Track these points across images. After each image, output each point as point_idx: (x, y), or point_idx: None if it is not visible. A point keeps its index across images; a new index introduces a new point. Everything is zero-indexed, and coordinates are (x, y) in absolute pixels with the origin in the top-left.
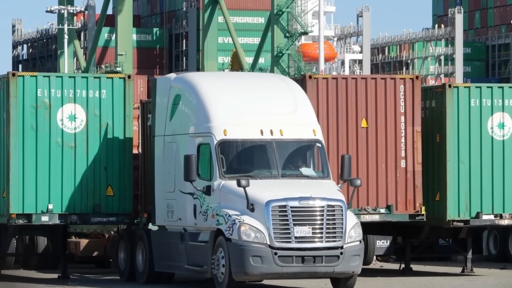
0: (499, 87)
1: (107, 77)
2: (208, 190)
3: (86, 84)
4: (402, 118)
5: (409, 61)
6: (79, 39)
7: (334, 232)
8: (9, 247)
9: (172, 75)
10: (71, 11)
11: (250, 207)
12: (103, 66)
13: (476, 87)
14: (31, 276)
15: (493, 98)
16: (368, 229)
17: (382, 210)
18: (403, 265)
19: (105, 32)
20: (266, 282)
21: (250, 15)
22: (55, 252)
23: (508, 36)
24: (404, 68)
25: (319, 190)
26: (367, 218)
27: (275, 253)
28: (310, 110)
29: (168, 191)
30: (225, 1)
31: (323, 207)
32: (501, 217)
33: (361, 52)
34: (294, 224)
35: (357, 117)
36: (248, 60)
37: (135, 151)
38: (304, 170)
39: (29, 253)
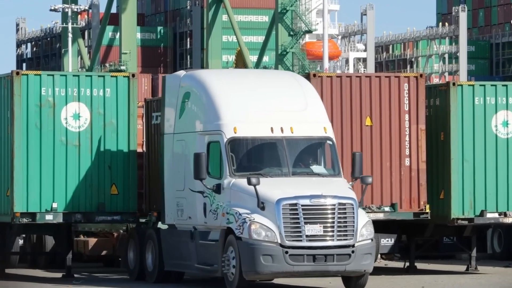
0: (503, 85)
1: (111, 76)
2: (218, 189)
3: (90, 83)
4: (406, 116)
5: (413, 59)
6: (83, 38)
7: (346, 231)
8: (14, 246)
9: (182, 73)
10: (75, 10)
11: (261, 205)
12: (107, 64)
13: (480, 85)
14: (36, 275)
15: (497, 96)
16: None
17: (387, 209)
18: (407, 264)
19: (109, 31)
20: (276, 281)
21: (254, 13)
22: (60, 250)
23: None
24: (408, 66)
25: (330, 188)
26: (372, 216)
27: (286, 252)
28: (320, 107)
29: (177, 190)
30: None
31: (334, 205)
32: (505, 215)
33: (365, 50)
34: (305, 223)
35: (361, 115)
36: (252, 58)
37: (139, 149)
38: (315, 168)
39: (37, 252)
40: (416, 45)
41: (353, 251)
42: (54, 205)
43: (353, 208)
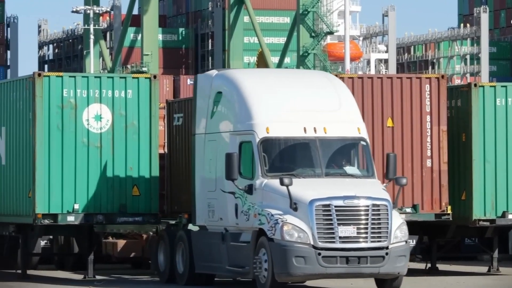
0: None
1: (133, 77)
2: (250, 189)
3: (112, 84)
4: (428, 117)
5: (434, 61)
6: (105, 39)
7: (379, 232)
8: (35, 247)
9: (213, 72)
10: (97, 11)
11: (293, 206)
12: (129, 66)
13: (502, 86)
14: (57, 276)
15: None
16: None
17: (408, 210)
18: (429, 265)
19: (131, 32)
20: (308, 283)
21: (276, 14)
22: (82, 252)
23: None
24: (430, 67)
25: (364, 189)
26: None
27: (319, 254)
28: (354, 107)
29: (209, 190)
30: (250, 1)
31: (368, 206)
32: None
33: (386, 51)
34: (339, 224)
35: (383, 116)
36: (274, 59)
37: (160, 151)
38: (348, 169)
39: (64, 253)
40: (438, 46)
41: (387, 253)
42: (76, 206)
43: (387, 209)
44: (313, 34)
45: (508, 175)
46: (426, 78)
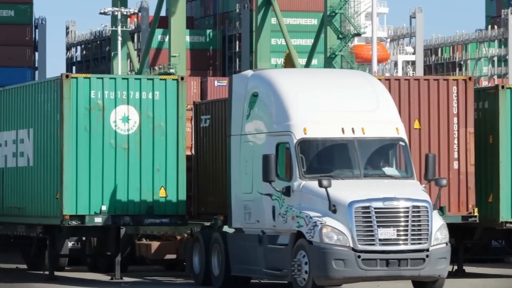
0: None
1: (160, 79)
2: (287, 191)
3: (139, 86)
4: (455, 119)
5: (462, 62)
6: (133, 41)
7: (420, 234)
8: (63, 248)
9: (249, 72)
10: (125, 13)
11: (332, 208)
12: (156, 67)
13: None
14: (85, 278)
15: None
16: None
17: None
18: (456, 267)
19: (158, 34)
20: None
21: (303, 16)
22: (109, 253)
23: None
24: (457, 69)
25: (404, 191)
26: None
27: (359, 256)
28: (392, 107)
29: (245, 192)
30: (278, 2)
31: (408, 208)
32: None
33: (414, 53)
34: (378, 226)
35: (410, 118)
36: (301, 61)
37: (188, 152)
38: (387, 170)
39: (98, 254)
40: (465, 48)
41: (427, 256)
42: (103, 207)
43: (427, 211)
44: (340, 36)
45: None
46: (453, 80)
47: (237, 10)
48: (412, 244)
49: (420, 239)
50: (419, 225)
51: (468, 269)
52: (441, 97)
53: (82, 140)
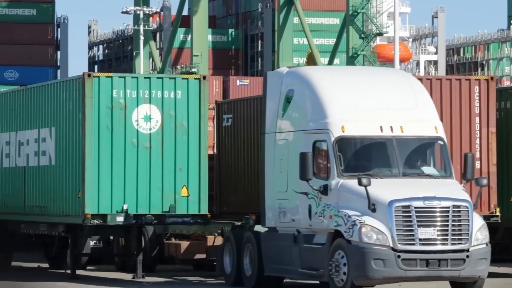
0: None
1: (183, 78)
2: (325, 190)
3: (161, 85)
4: (477, 119)
5: (484, 62)
6: (155, 40)
7: (460, 234)
8: (85, 247)
9: (284, 69)
10: (147, 12)
11: (372, 207)
12: (178, 67)
13: None
14: (106, 277)
15: None
16: None
17: None
18: None
19: (180, 33)
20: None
21: (325, 16)
22: (131, 252)
23: None
24: (479, 69)
25: (444, 190)
26: None
27: (398, 256)
28: (431, 106)
29: (279, 191)
30: (300, 2)
31: (448, 207)
32: None
33: (436, 53)
34: (418, 226)
35: None
36: (323, 61)
37: (210, 151)
38: (426, 169)
39: (125, 254)
40: (487, 47)
41: (467, 256)
42: (125, 206)
43: (468, 210)
44: (362, 35)
45: None
46: (475, 79)
47: (259, 10)
48: (452, 244)
49: (460, 239)
50: (460, 225)
51: (490, 268)
52: (463, 97)
53: (104, 139)
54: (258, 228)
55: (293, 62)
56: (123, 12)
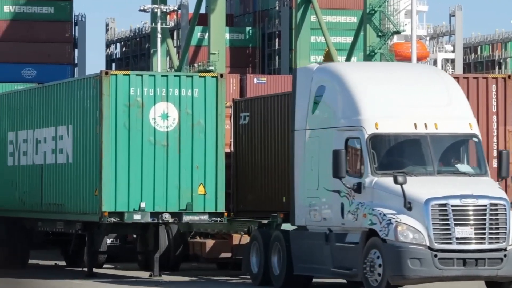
0: None
1: (200, 76)
2: (358, 188)
3: (178, 83)
4: (494, 117)
5: (501, 61)
6: (172, 38)
7: (498, 233)
8: (102, 245)
9: (314, 65)
10: (164, 10)
11: (408, 205)
12: (195, 65)
13: None
14: (123, 274)
15: None
16: None
17: None
18: None
19: (198, 31)
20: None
21: (343, 14)
22: (147, 250)
23: None
24: (497, 67)
25: (480, 188)
26: None
27: (435, 255)
28: (465, 103)
29: (310, 189)
30: (317, 0)
31: (485, 206)
32: None
33: (453, 51)
34: (455, 224)
35: None
36: (340, 59)
37: (227, 149)
38: (460, 167)
39: (141, 252)
40: (505, 46)
41: (505, 255)
42: (142, 204)
43: (505, 209)
44: (379, 34)
45: None
46: (493, 78)
47: (277, 8)
48: (489, 243)
49: (498, 238)
50: (497, 224)
51: None
52: (480, 95)
53: (121, 137)
54: (285, 226)
55: (310, 60)
56: (140, 10)
